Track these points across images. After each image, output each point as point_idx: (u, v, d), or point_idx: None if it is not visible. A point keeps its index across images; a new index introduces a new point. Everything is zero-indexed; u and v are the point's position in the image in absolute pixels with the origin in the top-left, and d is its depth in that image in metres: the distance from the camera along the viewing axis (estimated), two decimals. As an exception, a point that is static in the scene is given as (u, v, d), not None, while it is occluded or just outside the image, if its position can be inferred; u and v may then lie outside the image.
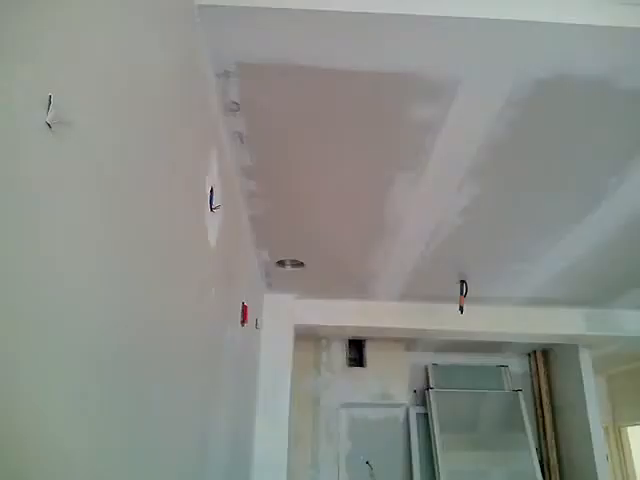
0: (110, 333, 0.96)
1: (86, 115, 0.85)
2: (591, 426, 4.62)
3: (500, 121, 2.01)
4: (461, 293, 3.61)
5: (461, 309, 3.63)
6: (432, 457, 4.91)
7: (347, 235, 2.99)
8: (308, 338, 4.92)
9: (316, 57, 1.68)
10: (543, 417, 5.22)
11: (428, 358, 5.47)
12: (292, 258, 3.30)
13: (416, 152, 2.21)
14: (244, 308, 2.67)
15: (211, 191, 1.75)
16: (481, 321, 4.15)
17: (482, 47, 1.66)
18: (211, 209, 1.74)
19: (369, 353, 5.26)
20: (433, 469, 4.85)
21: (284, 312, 3.86)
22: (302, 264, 3.36)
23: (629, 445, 6.52)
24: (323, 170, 2.32)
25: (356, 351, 5.25)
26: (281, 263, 3.35)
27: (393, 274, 3.58)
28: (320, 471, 4.92)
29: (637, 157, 2.23)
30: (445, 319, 4.03)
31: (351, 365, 5.23)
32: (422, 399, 5.28)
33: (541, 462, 5.03)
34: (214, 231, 1.83)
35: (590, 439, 4.60)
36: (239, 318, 2.62)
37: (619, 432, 6.61)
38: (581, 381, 4.81)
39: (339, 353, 5.26)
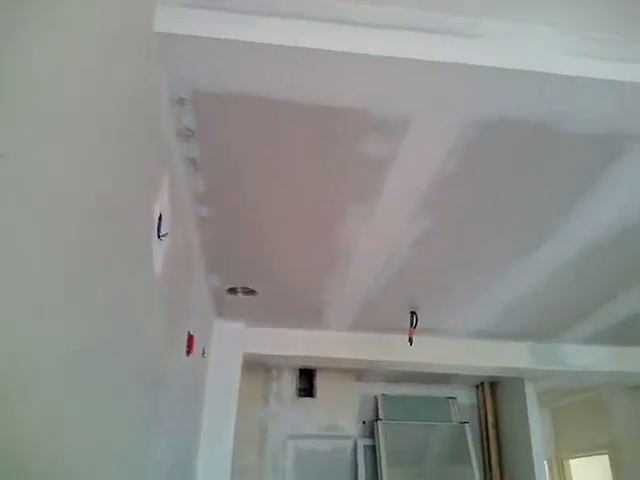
0: (32, 360, 0.91)
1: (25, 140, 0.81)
2: (534, 459, 4.69)
3: (450, 158, 2.05)
4: (411, 325, 3.63)
5: (410, 341, 3.65)
6: (379, 490, 4.86)
7: (300, 264, 2.98)
8: (258, 368, 4.85)
9: (270, 89, 1.68)
10: (489, 449, 5.26)
11: (378, 389, 5.45)
12: (244, 285, 3.25)
13: (369, 185, 2.23)
14: (190, 338, 2.61)
15: (159, 218, 1.71)
16: (430, 353, 4.17)
17: (432, 88, 1.70)
18: (159, 236, 1.70)
19: (319, 383, 5.21)
20: (379, 502, 4.80)
21: (233, 341, 3.79)
22: (254, 292, 3.32)
23: (571, 477, 6.64)
24: (277, 199, 2.31)
25: (306, 381, 5.19)
26: (232, 290, 3.30)
27: (345, 304, 3.57)
28: (265, 505, 4.81)
29: (580, 197, 2.31)
30: (395, 350, 4.04)
31: (301, 395, 5.16)
32: (371, 430, 5.24)
33: (486, 495, 5.06)
34: (160, 258, 1.79)
35: (533, 471, 4.65)
36: (184, 348, 2.55)
37: (562, 464, 6.73)
38: (526, 414, 4.89)
39: (289, 383, 5.20)
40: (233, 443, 3.62)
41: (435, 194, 2.29)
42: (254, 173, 2.12)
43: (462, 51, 1.63)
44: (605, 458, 6.01)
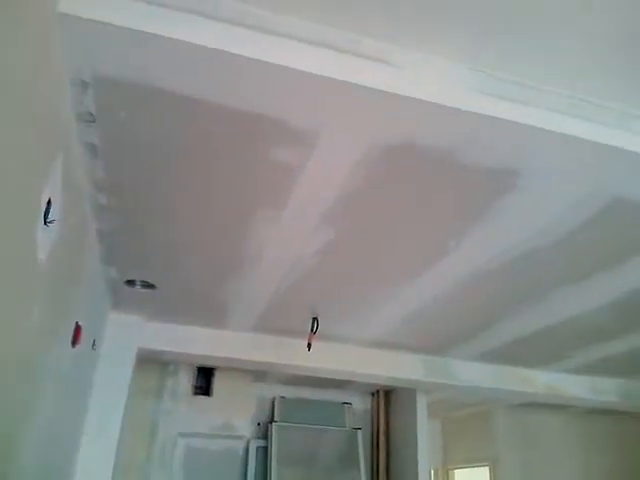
0: None
1: None
2: (419, 467, 4.86)
3: (355, 175, 2.10)
4: (311, 330, 3.68)
5: (309, 346, 3.70)
6: (267, 492, 4.88)
7: (204, 262, 2.94)
8: (154, 363, 4.74)
9: (181, 85, 1.65)
10: (378, 456, 5.41)
11: (277, 390, 5.48)
12: (143, 279, 3.17)
13: (277, 192, 2.24)
14: (77, 328, 2.51)
15: (48, 203, 1.64)
16: (329, 359, 4.24)
17: (341, 106, 1.74)
18: (45, 222, 1.63)
19: (217, 382, 5.17)
20: (266, 504, 4.82)
21: (128, 334, 3.68)
22: (153, 286, 3.24)
23: (454, 486, 6.96)
24: (183, 194, 2.27)
25: (203, 379, 5.13)
26: (130, 283, 3.20)
27: (248, 306, 3.56)
28: (149, 502, 4.70)
29: (473, 224, 2.44)
30: (295, 354, 4.06)
31: (197, 393, 5.10)
32: (265, 432, 5.25)
33: (371, 501, 5.20)
34: (46, 245, 1.71)
35: (417, 479, 4.82)
36: (70, 338, 2.45)
37: (447, 474, 7.04)
38: (415, 424, 5.07)
39: (186, 380, 5.11)
40: (120, 438, 3.52)
41: (339, 207, 2.34)
42: (160, 165, 2.08)
43: (372, 75, 1.68)
44: (486, 470, 6.34)
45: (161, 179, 2.17)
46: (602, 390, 4.90)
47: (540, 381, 4.76)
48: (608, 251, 2.66)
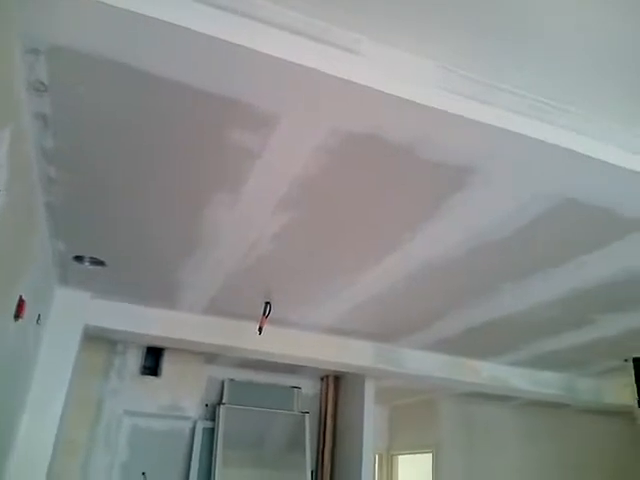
0: None
1: None
2: (363, 452, 4.94)
3: (314, 162, 2.10)
4: (263, 314, 3.67)
5: (260, 330, 3.69)
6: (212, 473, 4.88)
7: (156, 242, 2.89)
8: (102, 341, 4.65)
9: (141, 60, 1.61)
10: (324, 439, 5.47)
11: (227, 373, 5.46)
12: (92, 255, 3.09)
13: (235, 174, 2.22)
14: (21, 302, 2.43)
15: (-8, 172, 1.58)
16: (280, 343, 4.24)
17: (304, 93, 1.73)
18: (-13, 192, 1.57)
19: (166, 363, 5.11)
20: (210, 485, 4.82)
21: (75, 310, 3.59)
22: (103, 263, 3.16)
23: (397, 472, 7.11)
24: (136, 171, 2.22)
25: (152, 359, 5.06)
26: (79, 259, 3.12)
27: (200, 288, 3.53)
28: (90, 479, 4.63)
29: (428, 218, 2.47)
30: (246, 338, 4.05)
31: (145, 373, 5.02)
32: (213, 414, 5.24)
33: (315, 483, 5.27)
34: (-12, 217, 1.65)
35: (361, 464, 4.91)
36: (13, 312, 2.38)
37: (391, 459, 7.18)
38: (362, 409, 5.14)
39: (134, 360, 5.03)
40: (63, 416, 3.45)
41: (297, 193, 2.33)
42: (114, 139, 2.02)
43: (338, 63, 1.67)
44: (429, 456, 6.50)
45: (115, 155, 2.12)
46: (544, 383, 5.08)
47: (486, 372, 4.89)
48: (556, 249, 2.74)
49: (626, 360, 4.55)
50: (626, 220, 2.38)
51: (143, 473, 4.82)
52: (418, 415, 6.75)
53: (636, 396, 4.45)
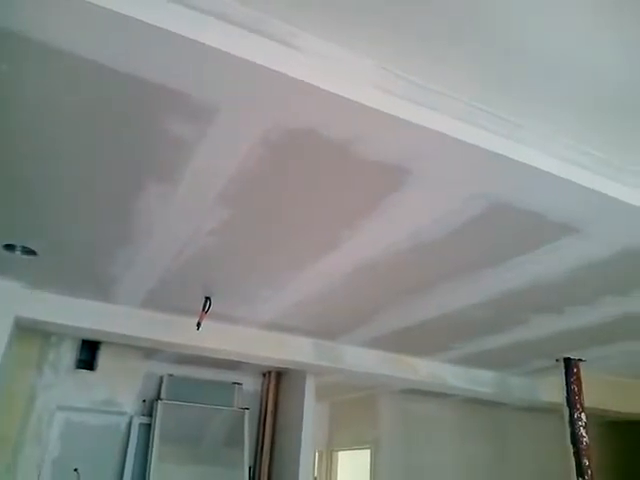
0: None
1: None
2: (302, 449, 4.96)
3: (254, 156, 2.08)
4: (203, 309, 3.62)
5: (198, 325, 3.65)
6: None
7: (91, 232, 2.81)
8: (35, 333, 4.49)
9: (68, 42, 1.55)
10: (263, 436, 5.46)
11: (166, 368, 5.37)
12: (23, 244, 2.97)
13: (171, 166, 2.18)
14: (-59, 292, 2.33)
15: None
16: (220, 339, 4.21)
17: (243, 85, 1.71)
18: None
19: (102, 357, 4.98)
20: (145, 482, 4.74)
21: (5, 301, 3.45)
22: (34, 253, 3.05)
23: (337, 468, 7.18)
24: (68, 158, 2.15)
25: (88, 353, 4.92)
26: (9, 247, 3.00)
27: (137, 281, 3.45)
28: (18, 476, 4.47)
29: (366, 216, 2.50)
30: (185, 333, 3.98)
31: (80, 367, 4.88)
32: (150, 409, 5.15)
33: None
34: None
35: (299, 460, 4.92)
36: None
37: (331, 456, 7.24)
38: (302, 405, 5.16)
39: (68, 353, 4.89)
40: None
41: (236, 187, 2.31)
42: (41, 122, 1.94)
43: (276, 57, 1.67)
44: (367, 452, 6.59)
45: (44, 140, 2.04)
46: (479, 381, 5.22)
47: (423, 369, 4.99)
48: (489, 250, 2.82)
49: (557, 360, 4.74)
50: (555, 225, 2.47)
51: (75, 469, 4.69)
52: (358, 411, 6.83)
53: (565, 395, 4.64)
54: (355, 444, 6.86)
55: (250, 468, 5.26)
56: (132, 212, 2.56)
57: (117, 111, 1.86)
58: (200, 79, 1.71)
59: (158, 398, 5.15)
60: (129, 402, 5.09)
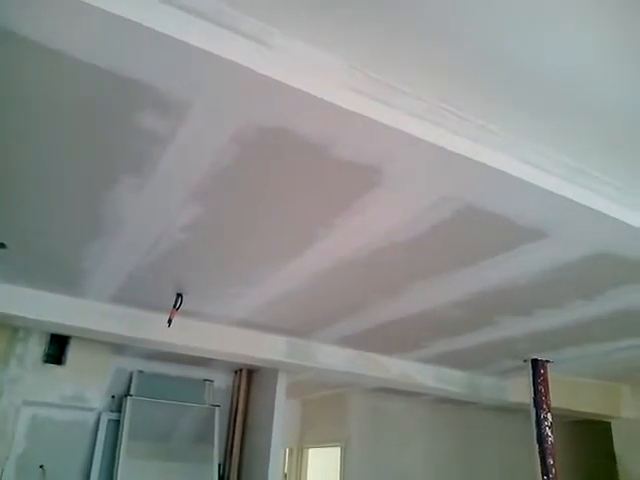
0: None
1: None
2: (272, 446, 4.96)
3: (227, 152, 2.08)
4: (174, 306, 3.60)
5: (169, 322, 3.62)
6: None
7: (60, 226, 2.77)
8: (2, 326, 4.40)
9: (40, 34, 1.53)
10: (234, 433, 5.45)
11: (136, 364, 5.31)
12: (-9, 237, 2.92)
13: (142, 160, 2.16)
14: None
15: None
16: (192, 336, 4.18)
17: (215, 82, 1.71)
18: None
19: (71, 351, 4.90)
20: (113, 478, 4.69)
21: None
22: (3, 245, 3.00)
23: (307, 465, 7.19)
24: (37, 150, 2.12)
25: (57, 347, 4.84)
26: (-23, 240, 2.94)
27: (107, 276, 3.41)
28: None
29: (340, 215, 2.51)
30: (155, 329, 3.96)
31: (48, 362, 4.80)
32: (120, 405, 5.09)
33: (222, 477, 5.23)
34: None
35: (269, 457, 4.92)
36: None
37: (302, 453, 7.25)
38: (273, 403, 5.15)
39: (36, 347, 4.80)
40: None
41: (209, 183, 2.31)
42: (11, 115, 1.91)
43: (249, 54, 1.67)
44: (338, 449, 6.61)
45: (14, 131, 2.01)
46: (449, 380, 5.29)
47: (394, 368, 5.03)
48: (461, 253, 2.86)
49: (525, 361, 4.82)
50: (524, 229, 2.51)
51: (41, 466, 4.62)
52: (329, 409, 6.85)
53: (532, 395, 4.72)
54: (326, 441, 6.87)
55: (220, 465, 5.24)
56: (103, 206, 2.53)
57: (90, 105, 1.85)
58: (173, 75, 1.70)
59: (127, 394, 5.09)
60: (98, 398, 5.03)
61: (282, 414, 5.16)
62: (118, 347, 4.93)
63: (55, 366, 4.82)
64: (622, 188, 2.38)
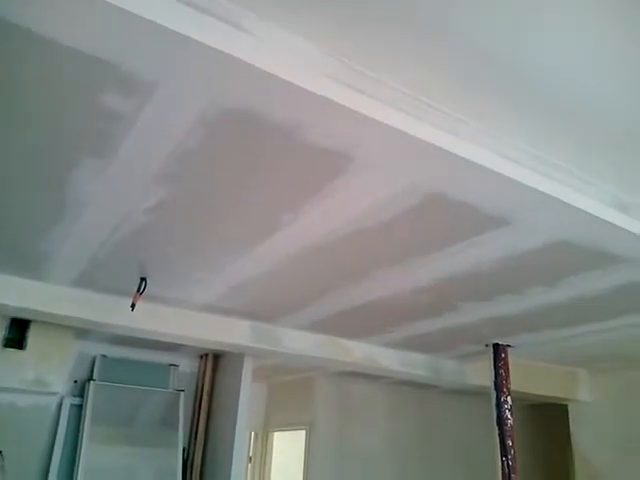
0: None
1: None
2: (237, 430, 4.97)
3: (191, 135, 2.05)
4: (138, 290, 3.55)
5: (132, 306, 3.58)
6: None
7: (19, 207, 2.70)
8: (-42, 309, 4.28)
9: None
10: (199, 417, 5.44)
11: (99, 349, 5.24)
12: (-54, 217, 2.83)
13: (105, 140, 2.12)
14: None
15: None
16: (156, 321, 4.15)
17: (182, 62, 1.68)
18: None
19: (33, 335, 4.77)
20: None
21: None
22: (-41, 227, 2.91)
23: (272, 449, 7.24)
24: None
25: (17, 331, 4.73)
26: None
27: (69, 259, 3.34)
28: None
29: (308, 201, 2.51)
30: (119, 314, 3.91)
31: (8, 346, 4.69)
32: (82, 390, 5.03)
33: (186, 461, 5.23)
34: None
35: (233, 441, 4.94)
36: None
37: (267, 437, 7.29)
38: (239, 388, 5.16)
39: (-5, 331, 4.69)
40: None
41: (174, 166, 2.27)
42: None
43: (220, 36, 1.64)
44: (303, 433, 6.67)
45: (-30, 110, 1.94)
46: (412, 364, 5.37)
47: (360, 352, 5.08)
48: (426, 239, 2.89)
49: (487, 345, 4.93)
50: (488, 217, 2.55)
51: (0, 452, 4.53)
52: (295, 393, 6.90)
53: (493, 379, 4.84)
54: (291, 425, 6.93)
55: (184, 449, 5.24)
56: (65, 187, 2.47)
57: (51, 82, 1.79)
58: (139, 54, 1.66)
59: (91, 379, 5.03)
60: (60, 382, 4.93)
61: (247, 398, 5.17)
62: (81, 331, 4.84)
63: (16, 350, 4.70)
64: (582, 178, 2.44)
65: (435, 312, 4.08)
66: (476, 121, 2.14)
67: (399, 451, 6.76)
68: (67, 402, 4.93)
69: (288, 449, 7.27)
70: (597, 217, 2.47)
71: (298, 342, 4.75)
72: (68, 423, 4.84)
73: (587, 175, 2.46)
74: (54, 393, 4.88)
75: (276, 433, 7.34)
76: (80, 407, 4.92)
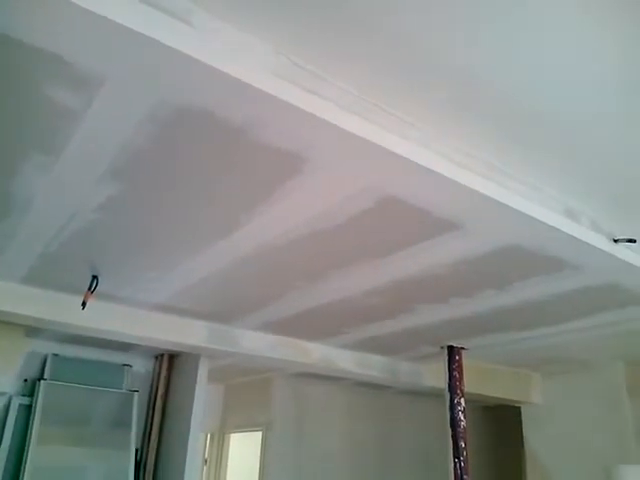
0: None
1: None
2: (191, 431, 4.91)
3: (141, 132, 2.02)
4: (89, 289, 3.48)
5: (83, 305, 3.50)
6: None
7: (-36, 201, 2.61)
8: None
9: None
10: (153, 419, 5.36)
11: (51, 347, 5.11)
12: None
13: (53, 135, 2.07)
14: None
15: None
16: (109, 320, 4.06)
17: (132, 57, 1.65)
18: None
19: (-20, 333, 4.65)
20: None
21: None
22: None
23: (228, 451, 7.18)
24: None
25: (-37, 329, 4.58)
26: None
27: (17, 255, 3.25)
28: None
29: (263, 201, 2.49)
30: (70, 312, 3.81)
31: (-47, 344, 4.54)
32: (33, 390, 4.89)
33: (139, 462, 5.15)
34: None
35: (187, 442, 4.87)
36: None
37: (223, 438, 7.23)
38: (194, 389, 5.10)
39: (-60, 329, 4.52)
40: None
41: (124, 163, 2.24)
42: None
43: (167, 31, 1.62)
44: (259, 434, 6.64)
45: None
46: (369, 365, 5.40)
47: (317, 353, 5.08)
48: (381, 242, 2.91)
49: (442, 347, 5.00)
50: (440, 221, 2.59)
51: (-57, 453, 4.38)
52: (252, 394, 6.86)
53: (447, 380, 4.91)
54: (247, 426, 6.88)
55: (137, 450, 5.15)
56: (12, 182, 2.41)
57: (-7, 75, 1.74)
58: (87, 48, 1.63)
59: (41, 378, 4.90)
60: (8, 382, 4.80)
61: (203, 399, 5.12)
62: (31, 329, 4.71)
63: (-38, 349, 4.57)
64: (530, 184, 2.51)
65: (390, 314, 4.12)
66: (427, 125, 2.17)
67: (357, 452, 6.79)
68: (16, 401, 4.78)
69: (244, 451, 7.21)
70: (544, 223, 2.53)
71: (255, 343, 4.73)
72: (16, 423, 4.69)
73: (535, 181, 2.53)
74: (3, 393, 4.75)
75: (232, 435, 7.29)
76: (29, 407, 4.79)
